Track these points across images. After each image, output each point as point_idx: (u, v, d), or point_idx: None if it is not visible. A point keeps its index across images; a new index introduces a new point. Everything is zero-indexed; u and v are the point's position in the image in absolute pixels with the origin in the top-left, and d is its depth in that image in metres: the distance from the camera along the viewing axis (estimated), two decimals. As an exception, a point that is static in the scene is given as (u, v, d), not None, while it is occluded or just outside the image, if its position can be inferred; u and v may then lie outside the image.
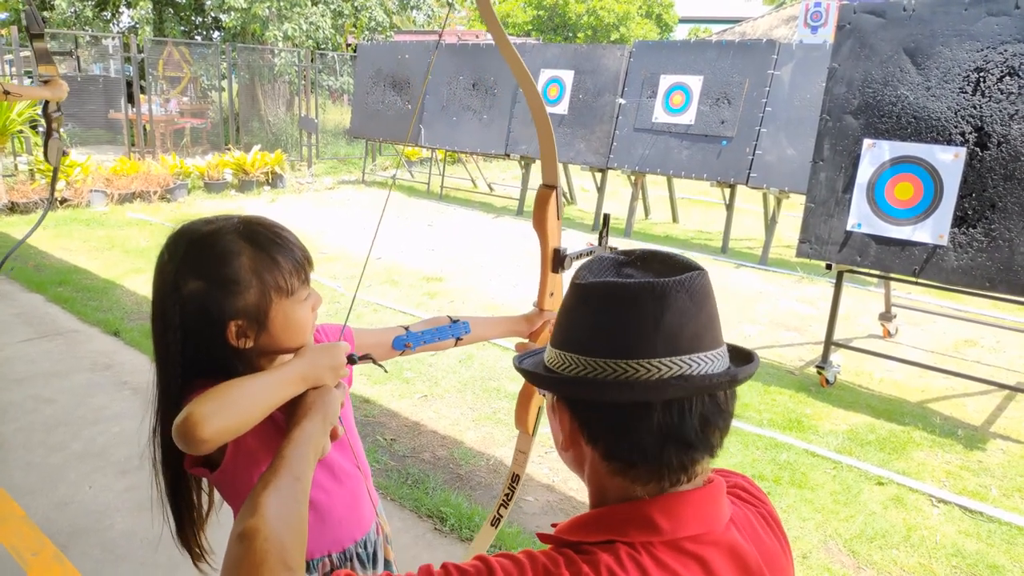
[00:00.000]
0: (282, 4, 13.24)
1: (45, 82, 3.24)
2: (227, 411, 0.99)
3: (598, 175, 9.02)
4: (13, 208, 8.42)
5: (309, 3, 14.02)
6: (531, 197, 10.62)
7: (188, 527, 1.21)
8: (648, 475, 0.82)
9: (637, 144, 8.34)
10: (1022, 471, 3.67)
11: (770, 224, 7.70)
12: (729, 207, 8.04)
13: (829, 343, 4.59)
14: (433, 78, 10.38)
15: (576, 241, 8.25)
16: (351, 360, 1.18)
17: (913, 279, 4.09)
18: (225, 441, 1.01)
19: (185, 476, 1.19)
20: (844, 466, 3.62)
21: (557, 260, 1.60)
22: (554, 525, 0.89)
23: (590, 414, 0.83)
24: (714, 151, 7.79)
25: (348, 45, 17.19)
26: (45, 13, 14.38)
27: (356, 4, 15.51)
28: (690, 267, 0.86)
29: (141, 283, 6.01)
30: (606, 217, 1.81)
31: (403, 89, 10.86)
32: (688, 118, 7.96)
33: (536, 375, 0.87)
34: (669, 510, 0.81)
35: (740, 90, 7.65)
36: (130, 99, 12.57)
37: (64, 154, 3.62)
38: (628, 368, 0.78)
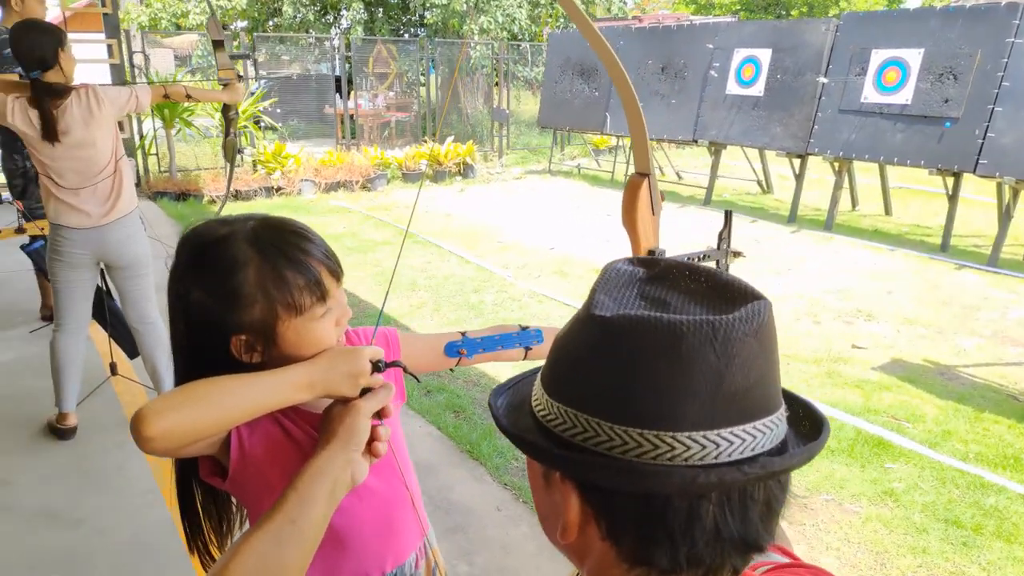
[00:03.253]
0: (479, -2, 13.58)
1: (224, 86, 3.46)
2: (186, 409, 0.90)
3: (796, 162, 8.26)
4: (236, 196, 9.39)
5: (505, -5, 14.27)
6: (720, 185, 10.08)
7: (197, 534, 1.15)
8: None
9: (842, 127, 7.50)
10: None
11: (1003, 219, 6.58)
12: (952, 198, 6.98)
13: (1067, 365, 3.78)
14: (621, 63, 10.06)
15: (764, 235, 7.63)
16: (377, 367, 1.02)
17: None
18: (183, 442, 0.91)
19: (193, 482, 1.13)
20: (1075, 521, 2.94)
21: None
22: None
23: (615, 504, 0.59)
24: (935, 134, 6.79)
25: (545, 35, 17.30)
26: (275, 19, 15.95)
27: (552, -7, 15.55)
28: (747, 293, 0.61)
29: (330, 267, 6.42)
30: (727, 214, 1.52)
31: (591, 76, 10.68)
32: (904, 97, 7.01)
33: (542, 450, 0.61)
34: None
35: (970, 63, 6.59)
36: (340, 94, 13.56)
37: (240, 152, 3.86)
38: (678, 445, 0.55)
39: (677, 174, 11.06)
